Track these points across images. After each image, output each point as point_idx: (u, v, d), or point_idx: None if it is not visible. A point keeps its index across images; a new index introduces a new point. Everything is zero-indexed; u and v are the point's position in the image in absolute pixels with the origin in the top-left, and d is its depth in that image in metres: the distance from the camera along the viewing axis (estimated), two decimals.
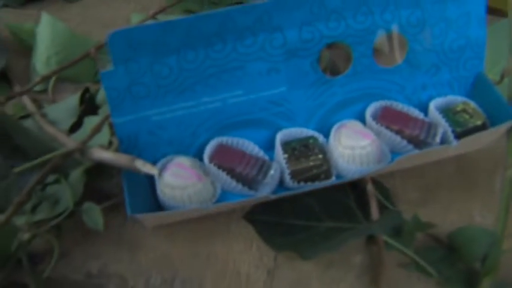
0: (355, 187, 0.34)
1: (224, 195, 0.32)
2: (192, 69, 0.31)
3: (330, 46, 0.34)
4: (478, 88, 0.36)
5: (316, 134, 0.34)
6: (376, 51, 0.35)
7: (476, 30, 0.35)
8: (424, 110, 0.36)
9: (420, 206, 0.33)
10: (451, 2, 0.34)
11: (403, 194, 0.34)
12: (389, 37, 0.38)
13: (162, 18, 0.43)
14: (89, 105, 0.38)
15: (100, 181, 0.34)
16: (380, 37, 0.35)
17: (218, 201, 0.32)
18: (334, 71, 0.38)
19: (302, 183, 0.32)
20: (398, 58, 0.39)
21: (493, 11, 0.51)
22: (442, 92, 0.36)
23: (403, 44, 0.35)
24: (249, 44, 0.32)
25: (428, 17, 0.34)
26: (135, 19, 0.47)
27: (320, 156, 0.32)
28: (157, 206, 0.32)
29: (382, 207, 0.32)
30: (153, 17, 0.42)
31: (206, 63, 0.31)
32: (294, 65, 0.33)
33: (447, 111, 0.35)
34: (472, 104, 0.35)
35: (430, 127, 0.34)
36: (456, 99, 0.36)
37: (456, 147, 0.32)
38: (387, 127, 0.34)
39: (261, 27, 0.31)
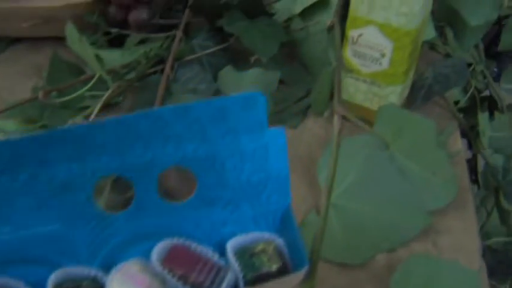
0: None
1: None
2: None
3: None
4: (284, 225, 0.33)
5: (99, 274, 0.31)
6: (162, 186, 0.32)
7: (276, 163, 0.32)
8: (225, 248, 0.32)
9: None
10: (245, 134, 0.32)
11: None
12: (176, 171, 0.36)
13: None
14: None
15: None
16: (166, 172, 0.33)
17: None
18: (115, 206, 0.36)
19: None
20: (187, 193, 0.36)
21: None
22: (246, 229, 0.33)
23: (192, 178, 0.32)
24: (14, 178, 0.29)
25: (219, 150, 0.32)
26: None
27: None
28: None
29: None
30: None
31: None
32: (66, 200, 0.30)
33: (244, 252, 0.31)
34: (275, 243, 0.32)
35: (219, 272, 0.30)
36: (260, 237, 0.33)
37: None
38: (171, 270, 0.30)
39: (27, 160, 0.29)
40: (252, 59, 0.51)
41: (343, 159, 0.41)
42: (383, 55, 0.46)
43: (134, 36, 0.51)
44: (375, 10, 0.44)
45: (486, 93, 0.68)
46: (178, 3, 0.61)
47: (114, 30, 0.51)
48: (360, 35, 0.46)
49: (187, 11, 0.54)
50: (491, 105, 0.67)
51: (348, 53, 0.47)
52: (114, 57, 0.51)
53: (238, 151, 0.32)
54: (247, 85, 0.49)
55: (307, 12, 0.55)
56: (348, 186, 0.41)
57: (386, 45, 0.45)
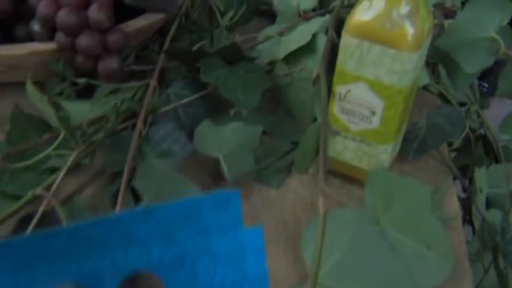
0: None
1: None
2: None
3: None
4: None
5: None
6: None
7: (253, 265, 0.29)
8: None
9: None
10: (218, 235, 0.28)
11: None
12: (140, 277, 0.32)
13: None
14: None
15: None
16: (128, 278, 0.29)
17: None
18: None
19: None
20: None
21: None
22: None
23: (158, 284, 0.29)
24: None
25: (189, 251, 0.28)
26: None
27: None
28: None
29: None
30: None
31: None
32: None
33: None
34: None
35: None
36: None
37: None
38: None
39: None
40: (232, 111, 0.48)
41: (330, 235, 0.38)
42: (373, 113, 0.42)
43: (104, 87, 0.47)
44: (365, 66, 0.40)
45: (481, 131, 0.65)
46: (154, 42, 0.57)
47: (81, 81, 0.47)
48: (348, 91, 0.42)
49: (162, 56, 0.50)
50: (486, 144, 0.64)
51: (335, 109, 0.44)
52: (82, 111, 0.47)
53: (210, 252, 0.28)
54: (227, 142, 0.46)
55: (291, 58, 0.51)
56: (335, 264, 0.38)
57: (377, 103, 0.41)
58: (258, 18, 0.68)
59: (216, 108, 0.50)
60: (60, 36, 0.46)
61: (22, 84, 0.46)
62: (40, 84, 0.50)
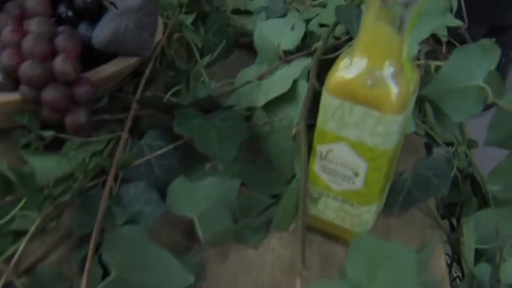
0: None
1: None
2: None
3: None
4: None
5: None
6: None
7: None
8: None
9: None
10: None
11: None
12: None
13: None
14: None
15: None
16: None
17: None
18: None
19: None
20: None
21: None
22: None
23: None
24: None
25: None
26: None
27: None
28: None
29: None
30: None
31: None
32: None
33: None
34: None
35: None
36: None
37: None
38: None
39: None
40: (208, 165, 0.45)
41: None
42: (356, 174, 0.40)
43: (73, 141, 0.45)
44: (346, 127, 0.38)
45: (469, 170, 0.63)
46: (129, 84, 0.55)
47: (48, 134, 0.44)
48: (330, 151, 0.40)
49: (133, 105, 0.47)
50: (474, 183, 0.62)
51: (316, 167, 0.41)
52: (50, 166, 0.44)
53: None
54: (202, 200, 0.43)
55: (271, 105, 0.48)
56: None
57: (360, 164, 0.39)
58: (239, 51, 0.65)
59: (192, 158, 0.48)
60: (24, 88, 0.43)
61: None
62: (7, 133, 0.48)
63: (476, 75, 0.45)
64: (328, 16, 0.60)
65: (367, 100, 0.37)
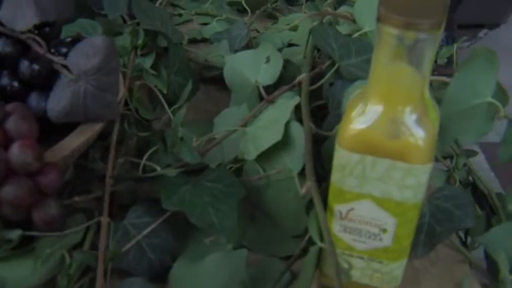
0: None
1: None
2: None
3: None
4: None
5: None
6: None
7: None
8: None
9: None
10: None
11: None
12: None
13: None
14: None
15: None
16: None
17: None
18: None
19: None
20: None
21: None
22: None
23: None
24: None
25: None
26: None
27: None
28: None
29: None
30: None
31: None
32: None
33: None
34: None
35: None
36: None
37: None
38: None
39: None
40: (207, 240, 0.39)
41: None
42: (384, 231, 0.35)
43: (45, 239, 0.38)
44: (369, 183, 0.33)
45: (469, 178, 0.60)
46: (95, 149, 0.48)
47: (14, 236, 0.37)
48: (351, 210, 0.35)
49: (108, 180, 0.41)
50: (476, 192, 0.59)
51: (335, 228, 0.36)
52: (23, 275, 0.37)
53: None
54: (210, 281, 0.37)
55: (263, 155, 0.43)
56: None
57: (387, 220, 0.34)
58: (205, 86, 0.59)
59: (186, 228, 0.42)
60: None
61: None
62: None
63: (483, 91, 0.41)
64: (300, 40, 0.55)
65: (390, 152, 0.32)
